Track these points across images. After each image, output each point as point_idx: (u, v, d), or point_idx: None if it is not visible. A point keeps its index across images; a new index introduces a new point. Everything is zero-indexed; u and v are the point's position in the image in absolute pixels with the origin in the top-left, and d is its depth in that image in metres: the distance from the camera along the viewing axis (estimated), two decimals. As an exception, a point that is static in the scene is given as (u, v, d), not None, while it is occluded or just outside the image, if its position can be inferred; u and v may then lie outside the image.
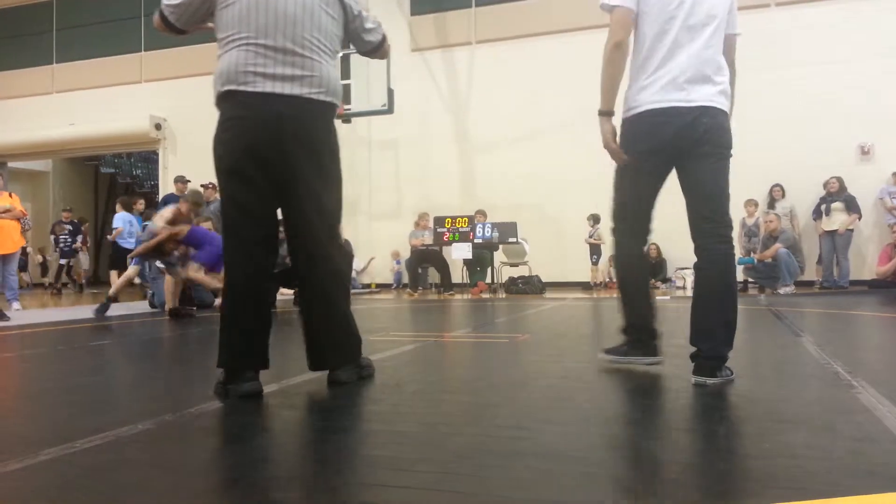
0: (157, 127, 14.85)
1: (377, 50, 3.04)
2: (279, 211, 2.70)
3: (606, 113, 2.86)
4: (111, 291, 7.30)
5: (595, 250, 11.52)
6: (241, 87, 2.53)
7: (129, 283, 6.73)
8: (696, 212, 2.84)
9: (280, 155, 2.56)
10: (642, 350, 2.96)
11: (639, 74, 2.78)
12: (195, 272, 6.96)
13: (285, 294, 8.88)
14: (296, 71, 2.57)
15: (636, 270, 3.09)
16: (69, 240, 14.46)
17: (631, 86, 2.82)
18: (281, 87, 2.55)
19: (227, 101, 2.57)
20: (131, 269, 7.38)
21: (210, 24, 2.72)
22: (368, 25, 2.92)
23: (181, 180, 10.61)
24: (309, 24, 2.61)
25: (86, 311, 7.80)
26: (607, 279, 11.82)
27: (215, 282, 7.33)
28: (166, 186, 14.20)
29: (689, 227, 2.89)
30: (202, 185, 9.61)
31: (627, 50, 2.79)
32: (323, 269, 2.69)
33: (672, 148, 2.76)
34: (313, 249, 2.68)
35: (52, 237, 14.91)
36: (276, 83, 2.54)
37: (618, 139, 2.87)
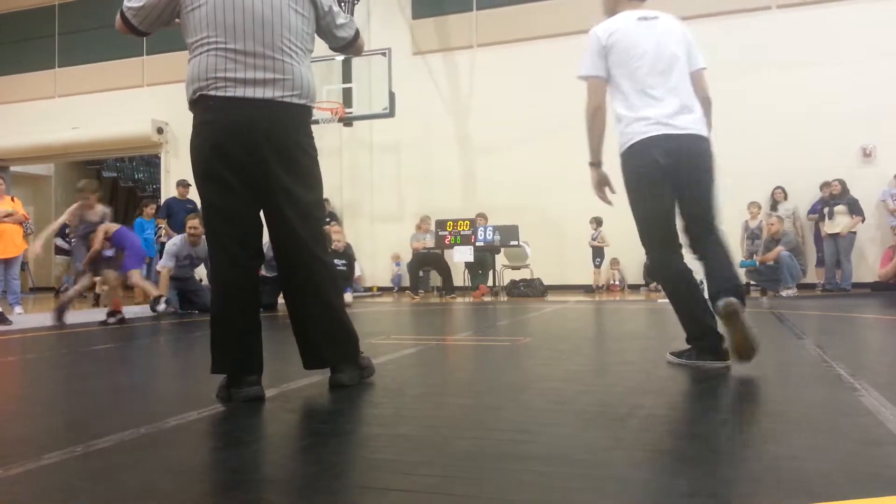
0: (160, 131, 14.88)
1: (351, 46, 2.94)
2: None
3: (595, 164, 3.37)
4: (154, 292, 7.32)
5: (598, 253, 11.52)
6: (212, 93, 2.50)
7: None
8: (689, 226, 3.24)
9: (253, 159, 2.53)
10: (711, 355, 3.07)
11: (627, 116, 3.18)
12: (139, 279, 6.98)
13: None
14: (267, 74, 2.53)
15: (681, 283, 3.26)
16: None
17: (622, 128, 3.22)
18: (252, 92, 2.51)
19: (199, 106, 2.55)
20: (86, 279, 7.04)
21: (177, 21, 2.67)
22: (340, 21, 2.83)
23: (183, 184, 10.65)
24: (279, 25, 2.56)
25: (88, 315, 7.81)
26: (612, 282, 11.83)
27: (154, 289, 7.35)
28: (168, 190, 14.22)
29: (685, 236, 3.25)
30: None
31: (605, 110, 3.25)
32: (308, 270, 2.66)
33: (665, 169, 3.11)
34: (296, 252, 2.65)
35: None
36: (248, 88, 2.50)
37: (619, 173, 3.29)
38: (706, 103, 3.27)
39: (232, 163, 2.52)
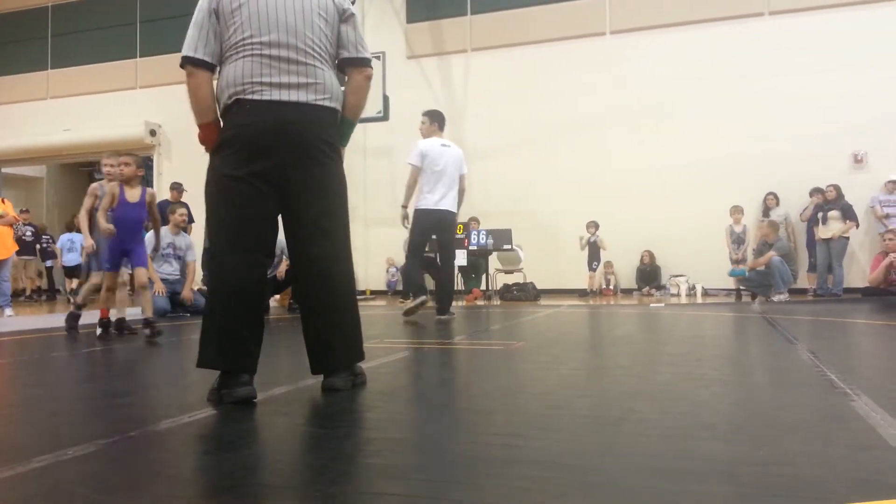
0: (152, 133, 14.84)
1: (358, 66, 2.81)
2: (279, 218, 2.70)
3: (404, 206, 6.77)
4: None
5: (595, 256, 11.54)
6: (249, 96, 2.55)
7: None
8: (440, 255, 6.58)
9: (284, 161, 2.57)
10: None
11: (423, 192, 6.55)
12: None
13: (278, 302, 8.87)
14: (301, 79, 2.60)
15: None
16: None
17: (420, 197, 6.57)
18: (287, 95, 2.57)
19: (234, 109, 2.58)
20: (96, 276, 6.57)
21: None
22: (359, 39, 2.80)
23: (177, 188, 10.62)
24: (309, 31, 2.63)
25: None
26: (605, 286, 11.86)
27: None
28: (161, 193, 14.14)
29: None
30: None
31: (417, 181, 6.64)
32: (328, 275, 2.68)
33: (435, 227, 6.68)
34: (316, 256, 2.67)
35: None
36: (283, 91, 2.57)
37: (409, 221, 6.70)
38: (462, 193, 6.83)
39: (266, 165, 2.55)
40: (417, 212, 6.51)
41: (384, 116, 11.23)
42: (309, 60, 2.63)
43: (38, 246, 14.45)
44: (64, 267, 13.20)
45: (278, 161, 2.57)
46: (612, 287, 11.87)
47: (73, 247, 12.63)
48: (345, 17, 2.78)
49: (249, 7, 2.59)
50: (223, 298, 2.59)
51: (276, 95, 2.56)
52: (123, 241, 5.33)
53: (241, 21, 2.58)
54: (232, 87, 2.57)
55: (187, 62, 2.61)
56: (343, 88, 2.81)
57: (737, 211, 10.75)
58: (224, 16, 2.61)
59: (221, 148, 2.61)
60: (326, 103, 2.66)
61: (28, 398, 2.90)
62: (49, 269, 14.62)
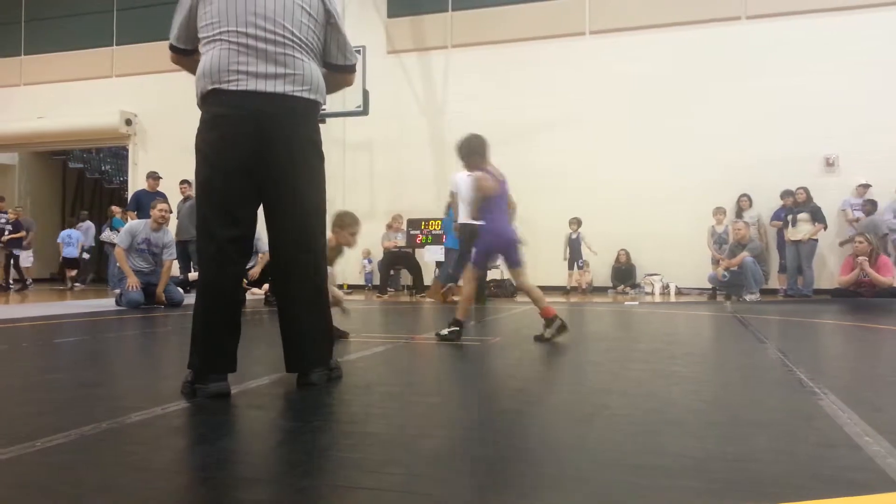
0: (128, 122, 14.63)
1: (344, 73, 2.92)
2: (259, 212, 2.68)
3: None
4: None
5: (578, 254, 11.58)
6: (225, 86, 2.52)
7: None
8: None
9: (263, 153, 2.54)
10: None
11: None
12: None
13: (256, 294, 8.80)
14: (278, 69, 2.56)
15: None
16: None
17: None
18: (264, 85, 2.53)
19: (211, 99, 2.56)
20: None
21: None
22: (344, 40, 2.83)
23: (153, 176, 10.48)
24: (289, 22, 2.59)
25: (53, 307, 7.66)
26: (581, 285, 11.89)
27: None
28: (136, 183, 14.00)
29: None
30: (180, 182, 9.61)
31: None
32: (304, 271, 2.66)
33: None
34: (294, 251, 2.66)
35: None
36: (260, 80, 2.53)
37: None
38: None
39: (242, 159, 2.53)
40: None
41: (364, 111, 11.18)
42: (288, 51, 2.59)
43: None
44: (63, 259, 14.55)
45: (260, 153, 2.54)
46: (585, 285, 11.93)
47: (70, 241, 14.20)
48: (332, 19, 2.76)
49: None
50: (200, 296, 2.57)
51: (251, 85, 2.53)
52: None
53: (219, 8, 2.55)
54: (208, 77, 2.55)
55: (170, 48, 2.74)
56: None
57: (719, 212, 10.89)
58: (202, 1, 2.59)
59: (203, 140, 2.58)
60: (306, 95, 2.62)
61: (-4, 389, 2.85)
62: (16, 258, 14.27)
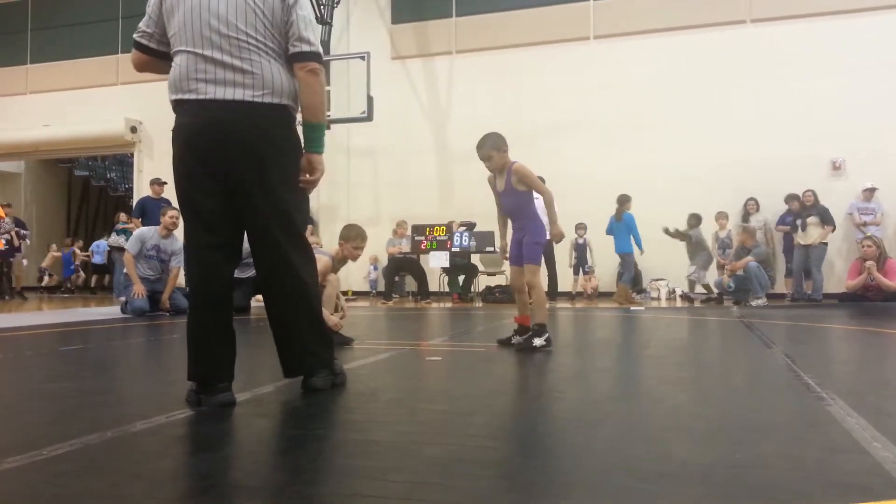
0: (133, 130, 14.68)
1: (299, 61, 2.61)
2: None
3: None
4: None
5: (584, 259, 11.56)
6: (186, 96, 2.52)
7: None
8: None
9: (226, 161, 2.51)
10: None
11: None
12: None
13: (260, 301, 8.82)
14: (236, 76, 2.50)
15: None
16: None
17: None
18: (224, 93, 2.50)
19: (176, 110, 2.58)
20: None
21: None
22: (302, 31, 2.60)
23: (157, 182, 10.50)
24: (242, 23, 2.52)
25: (58, 315, 7.68)
26: (586, 291, 11.85)
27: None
28: (141, 190, 14.03)
29: None
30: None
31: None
32: (285, 275, 2.62)
33: None
34: (273, 255, 2.62)
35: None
36: (219, 88, 2.50)
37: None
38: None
39: (208, 166, 2.51)
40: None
41: (368, 117, 11.20)
42: (244, 54, 2.52)
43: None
44: (93, 265, 16.58)
45: (225, 161, 2.51)
46: (590, 291, 11.89)
47: (98, 250, 16.14)
48: (286, 6, 2.59)
49: (184, 2, 2.54)
50: (190, 306, 2.57)
51: (210, 93, 2.50)
52: None
53: (181, 19, 2.55)
54: (173, 87, 2.56)
55: (135, 46, 2.75)
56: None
57: (721, 217, 10.84)
58: (166, 11, 2.61)
59: (172, 141, 2.59)
60: (267, 99, 2.54)
61: (0, 398, 2.85)
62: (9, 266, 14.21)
